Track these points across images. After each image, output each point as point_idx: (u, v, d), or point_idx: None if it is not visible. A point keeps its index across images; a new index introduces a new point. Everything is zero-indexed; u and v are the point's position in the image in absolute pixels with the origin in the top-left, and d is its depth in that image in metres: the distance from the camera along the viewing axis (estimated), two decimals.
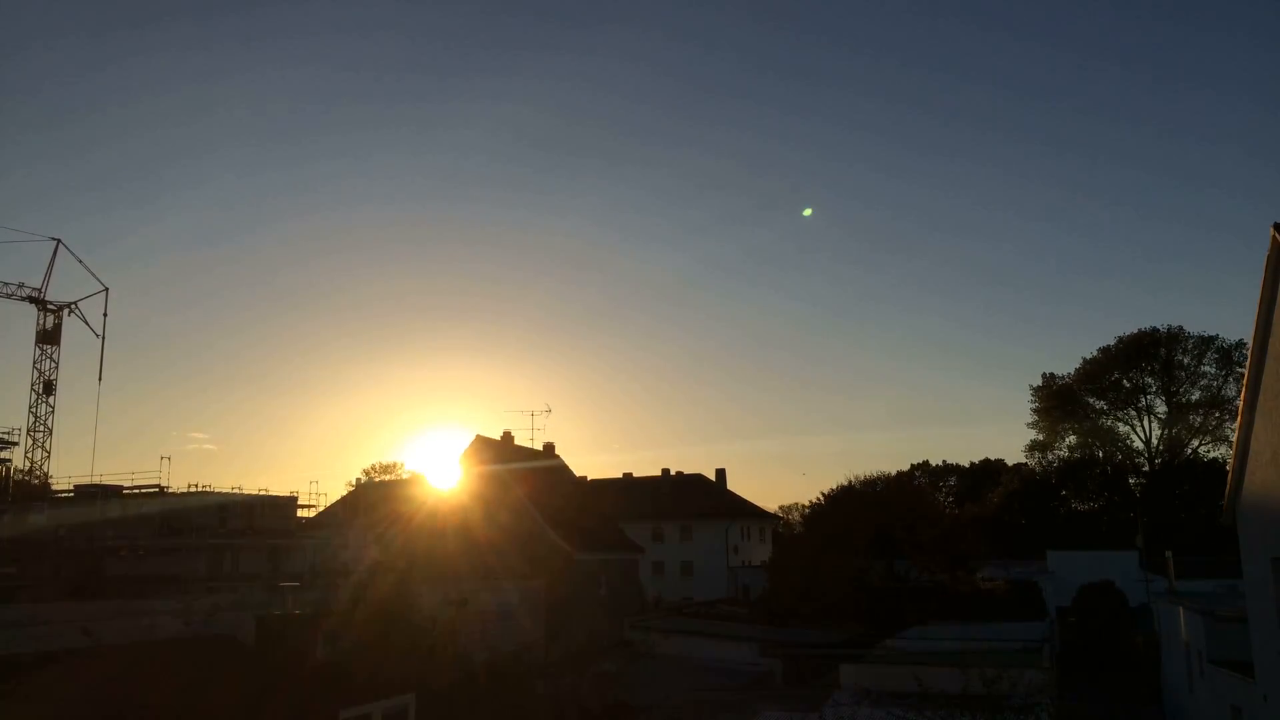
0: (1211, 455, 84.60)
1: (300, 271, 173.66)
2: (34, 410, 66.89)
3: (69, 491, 72.33)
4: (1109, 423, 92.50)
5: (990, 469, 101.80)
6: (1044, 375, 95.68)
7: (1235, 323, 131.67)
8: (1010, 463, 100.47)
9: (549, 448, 53.77)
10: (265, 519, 71.97)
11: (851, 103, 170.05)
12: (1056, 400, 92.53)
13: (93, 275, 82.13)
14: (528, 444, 51.21)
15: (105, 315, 70.02)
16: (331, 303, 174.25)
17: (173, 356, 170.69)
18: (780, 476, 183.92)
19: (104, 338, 69.89)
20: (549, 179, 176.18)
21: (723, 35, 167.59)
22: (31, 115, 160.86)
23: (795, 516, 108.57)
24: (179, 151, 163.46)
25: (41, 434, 66.95)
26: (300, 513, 76.50)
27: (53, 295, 67.86)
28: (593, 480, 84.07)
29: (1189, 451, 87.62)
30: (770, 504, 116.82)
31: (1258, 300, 17.24)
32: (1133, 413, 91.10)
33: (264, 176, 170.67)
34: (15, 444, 66.92)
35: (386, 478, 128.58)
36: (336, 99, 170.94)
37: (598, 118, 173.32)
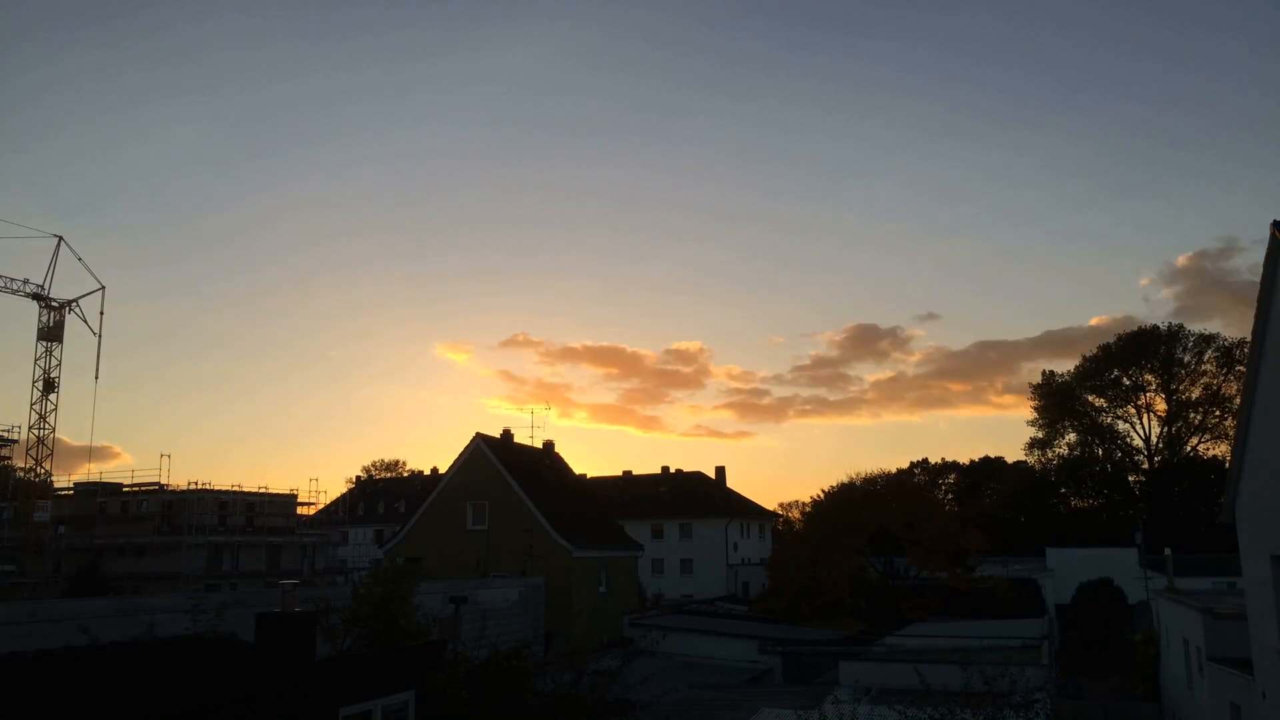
0: (1211, 453, 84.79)
1: (299, 268, 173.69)
2: (35, 408, 66.77)
3: (69, 489, 72.42)
4: (1109, 420, 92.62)
5: (990, 467, 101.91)
6: (1044, 373, 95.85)
7: (1236, 320, 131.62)
8: (1010, 460, 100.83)
9: (549, 446, 53.80)
10: (265, 516, 72.20)
11: (856, 89, 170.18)
12: (1056, 398, 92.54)
13: (90, 273, 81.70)
14: (528, 442, 51.22)
15: (102, 313, 69.80)
16: (331, 299, 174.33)
17: (171, 353, 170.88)
18: (780, 474, 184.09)
19: (101, 336, 69.60)
20: (538, 168, 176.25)
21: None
22: (33, 109, 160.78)
23: (795, 514, 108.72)
24: (176, 140, 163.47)
25: (43, 431, 66.87)
26: (300, 510, 76.74)
27: (55, 293, 67.66)
28: (593, 478, 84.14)
29: (1189, 449, 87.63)
30: (770, 502, 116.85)
31: (1257, 297, 17.23)
32: (1132, 410, 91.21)
33: (263, 169, 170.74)
34: (16, 441, 66.90)
35: (386, 475, 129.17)
36: (334, 89, 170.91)
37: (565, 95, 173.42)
